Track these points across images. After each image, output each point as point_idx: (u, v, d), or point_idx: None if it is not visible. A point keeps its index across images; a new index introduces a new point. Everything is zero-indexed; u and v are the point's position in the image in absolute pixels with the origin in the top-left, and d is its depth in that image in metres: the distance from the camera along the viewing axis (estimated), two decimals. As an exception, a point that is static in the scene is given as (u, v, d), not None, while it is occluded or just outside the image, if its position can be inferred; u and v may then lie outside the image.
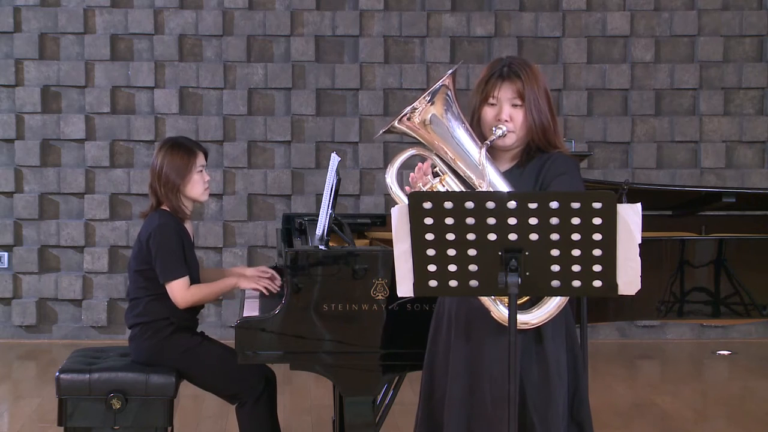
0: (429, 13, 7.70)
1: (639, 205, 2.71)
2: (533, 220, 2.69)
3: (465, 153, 3.06)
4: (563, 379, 3.15)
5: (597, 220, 2.69)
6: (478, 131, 3.15)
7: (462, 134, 3.06)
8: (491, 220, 2.70)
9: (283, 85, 7.65)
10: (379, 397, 4.20)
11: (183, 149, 4.34)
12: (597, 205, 2.68)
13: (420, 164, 3.10)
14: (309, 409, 5.92)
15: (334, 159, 4.42)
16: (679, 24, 7.76)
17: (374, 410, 3.90)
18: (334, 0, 7.69)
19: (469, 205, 2.69)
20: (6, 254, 7.57)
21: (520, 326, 2.93)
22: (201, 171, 4.35)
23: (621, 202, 2.91)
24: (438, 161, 3.09)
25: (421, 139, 3.09)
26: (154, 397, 4.19)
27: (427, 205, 2.70)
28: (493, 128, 3.11)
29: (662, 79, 7.76)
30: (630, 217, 2.71)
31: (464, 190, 3.07)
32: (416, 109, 3.02)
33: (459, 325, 3.17)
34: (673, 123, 7.77)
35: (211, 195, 7.53)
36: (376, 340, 3.80)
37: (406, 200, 2.96)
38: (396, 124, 3.06)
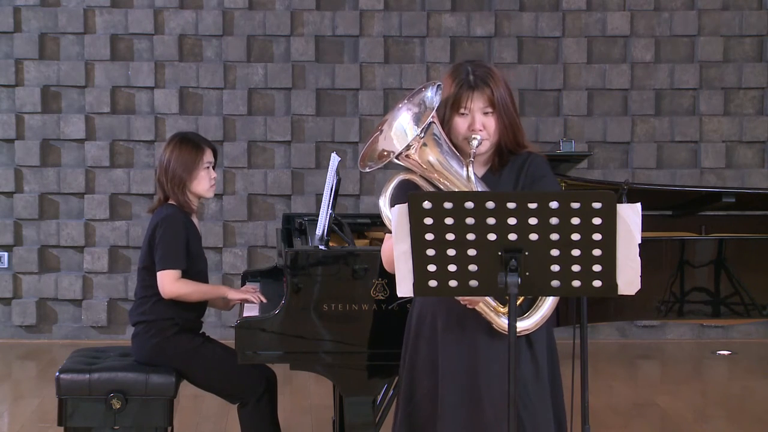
0: (429, 13, 7.70)
1: (639, 205, 2.72)
2: (533, 220, 2.69)
3: (452, 173, 3.06)
4: (545, 375, 3.19)
5: (597, 220, 2.69)
6: (450, 141, 3.16)
7: (449, 157, 3.07)
8: (491, 220, 2.70)
9: (283, 85, 7.65)
10: (379, 397, 4.21)
11: (191, 144, 4.35)
12: (597, 205, 2.68)
13: None
14: (309, 409, 5.92)
15: (334, 159, 4.42)
16: (679, 24, 7.76)
17: (374, 410, 3.90)
18: (334, 0, 7.69)
19: (469, 205, 2.69)
20: (6, 254, 7.57)
21: (519, 333, 2.99)
22: (208, 167, 4.36)
23: (621, 202, 2.91)
24: (425, 183, 3.10)
25: (412, 168, 3.08)
26: (154, 397, 4.19)
27: (427, 205, 2.70)
28: (469, 140, 3.12)
29: (662, 79, 7.76)
30: (630, 217, 2.71)
31: None
32: (410, 147, 3.01)
33: (451, 328, 3.18)
34: (673, 123, 7.77)
35: (211, 195, 7.56)
36: (376, 340, 3.80)
37: None
38: (393, 160, 3.04)
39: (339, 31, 7.67)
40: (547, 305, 3.07)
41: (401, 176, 3.11)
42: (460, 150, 3.13)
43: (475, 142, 3.10)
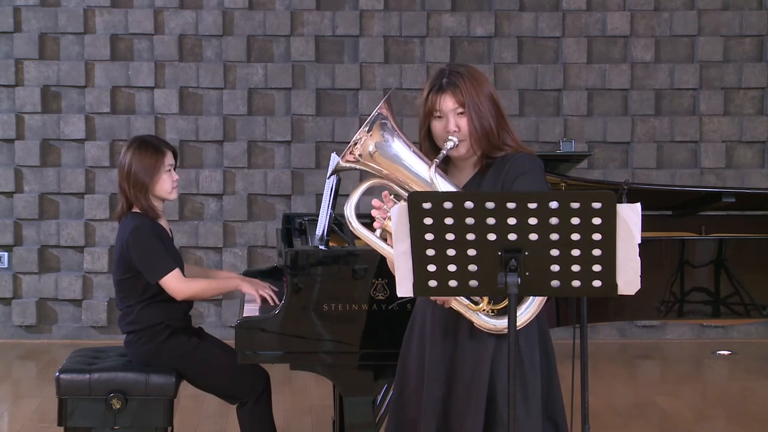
0: (429, 13, 7.70)
1: (639, 205, 2.71)
2: (533, 220, 2.69)
3: (415, 174, 3.08)
4: (537, 377, 3.18)
5: (597, 220, 2.68)
6: (433, 144, 3.19)
7: (408, 156, 3.09)
8: (491, 220, 2.70)
9: (283, 85, 7.65)
10: (379, 397, 4.21)
11: (151, 149, 4.28)
12: (597, 205, 2.67)
13: (377, 202, 3.12)
14: (309, 409, 5.92)
15: (334, 159, 4.42)
16: (679, 24, 7.76)
17: (374, 410, 3.90)
18: (334, 0, 7.70)
19: (469, 205, 2.69)
20: (6, 254, 7.57)
21: (500, 332, 3.04)
22: (169, 170, 4.30)
23: (621, 202, 2.91)
24: (394, 187, 3.12)
25: (371, 171, 3.11)
26: (154, 397, 4.19)
27: (427, 205, 2.70)
28: (445, 141, 3.13)
29: (662, 79, 7.76)
30: (630, 217, 2.71)
31: None
32: (357, 142, 3.05)
33: (437, 327, 3.19)
34: (673, 123, 7.77)
35: (211, 195, 7.57)
36: (376, 340, 3.80)
37: (367, 234, 3.09)
38: (342, 162, 3.09)
39: (339, 31, 7.67)
40: (531, 309, 3.05)
41: (367, 182, 3.14)
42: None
43: (450, 144, 3.12)
